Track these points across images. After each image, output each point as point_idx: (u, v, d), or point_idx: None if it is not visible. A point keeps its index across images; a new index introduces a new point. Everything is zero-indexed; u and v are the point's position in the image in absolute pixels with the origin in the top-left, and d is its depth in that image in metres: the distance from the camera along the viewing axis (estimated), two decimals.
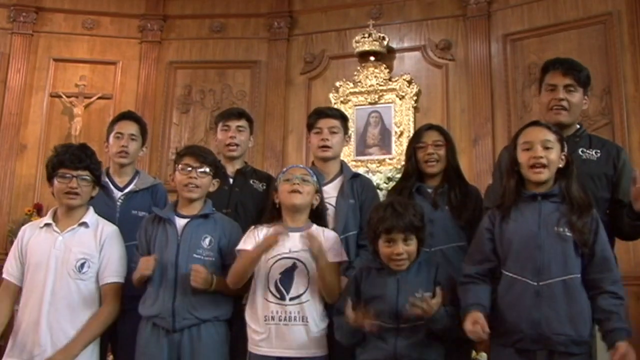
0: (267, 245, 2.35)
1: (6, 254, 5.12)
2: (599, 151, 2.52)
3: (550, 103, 2.54)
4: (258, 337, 2.37)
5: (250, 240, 2.45)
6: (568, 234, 2.15)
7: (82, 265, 2.44)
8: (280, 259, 2.41)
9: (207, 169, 2.57)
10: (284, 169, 2.61)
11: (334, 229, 2.60)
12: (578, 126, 2.61)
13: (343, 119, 2.96)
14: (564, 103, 2.52)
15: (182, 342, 2.42)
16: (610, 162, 2.50)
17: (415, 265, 2.31)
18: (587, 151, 2.49)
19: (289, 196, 2.46)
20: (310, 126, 2.92)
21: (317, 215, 2.56)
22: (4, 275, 2.52)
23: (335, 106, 5.43)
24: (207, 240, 2.50)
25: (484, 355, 4.00)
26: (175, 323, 2.41)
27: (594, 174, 2.44)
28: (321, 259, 2.34)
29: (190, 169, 2.54)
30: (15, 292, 2.49)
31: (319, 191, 2.56)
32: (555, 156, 2.23)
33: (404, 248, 2.26)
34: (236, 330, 2.55)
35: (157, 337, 2.43)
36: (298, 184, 2.46)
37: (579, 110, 2.59)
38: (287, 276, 2.39)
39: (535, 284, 2.12)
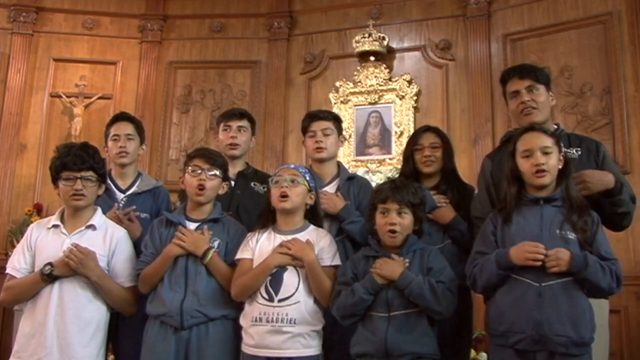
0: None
1: (6, 254, 5.19)
2: (579, 149, 2.54)
3: (518, 108, 2.59)
4: (248, 338, 2.37)
5: (246, 250, 2.45)
6: (571, 236, 2.17)
7: None
8: None
9: (217, 172, 2.57)
10: (276, 170, 2.60)
11: (329, 231, 2.60)
12: (555, 126, 2.63)
13: (336, 120, 2.97)
14: (531, 103, 2.56)
15: (190, 339, 2.41)
16: (591, 158, 2.52)
17: (410, 253, 2.33)
18: (568, 150, 2.49)
19: (277, 201, 2.45)
20: (304, 130, 2.94)
21: (313, 214, 2.55)
22: (8, 272, 2.48)
23: (335, 106, 5.47)
24: (216, 244, 2.49)
25: (484, 355, 4.00)
26: (184, 321, 2.40)
27: (577, 171, 2.45)
28: (306, 260, 2.35)
29: (200, 171, 2.54)
30: None
31: (312, 190, 2.54)
32: (555, 161, 2.26)
33: (398, 220, 2.31)
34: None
35: (164, 335, 2.43)
36: (286, 187, 2.44)
37: (548, 107, 2.63)
38: (276, 278, 2.38)
39: (537, 284, 2.13)
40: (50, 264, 2.37)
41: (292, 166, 2.59)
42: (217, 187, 2.58)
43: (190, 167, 2.57)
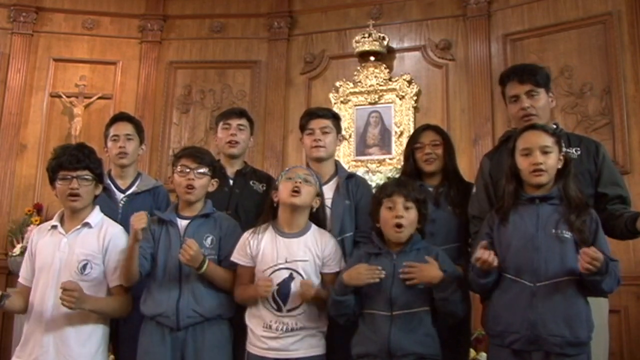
0: (256, 297, 2.38)
1: (6, 254, 5.19)
2: (578, 149, 2.53)
3: (519, 113, 2.57)
4: (258, 341, 2.38)
5: (243, 252, 2.46)
6: (566, 235, 2.16)
7: (85, 266, 2.44)
8: (277, 269, 2.40)
9: (205, 170, 2.57)
10: (287, 168, 2.60)
11: (330, 231, 2.60)
12: (555, 126, 2.62)
13: (335, 118, 2.95)
14: (531, 110, 2.54)
15: (186, 340, 2.42)
16: (590, 158, 2.51)
17: (414, 250, 2.33)
18: (567, 150, 2.49)
19: (289, 195, 2.44)
20: (302, 127, 2.91)
21: (316, 218, 2.55)
22: (19, 280, 2.56)
23: (335, 106, 5.46)
24: (209, 240, 2.51)
25: (483, 355, 4.00)
26: (180, 321, 2.41)
27: (577, 171, 2.44)
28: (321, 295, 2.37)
29: (188, 170, 2.55)
30: (27, 294, 2.48)
31: (319, 194, 2.55)
32: (554, 161, 2.25)
33: (404, 214, 2.31)
34: (238, 328, 2.54)
35: (160, 336, 2.43)
36: (300, 183, 2.45)
37: (548, 111, 2.62)
38: (284, 287, 2.38)
39: (532, 285, 2.14)
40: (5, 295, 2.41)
41: (304, 167, 2.61)
42: (206, 185, 2.59)
43: (178, 167, 2.58)
